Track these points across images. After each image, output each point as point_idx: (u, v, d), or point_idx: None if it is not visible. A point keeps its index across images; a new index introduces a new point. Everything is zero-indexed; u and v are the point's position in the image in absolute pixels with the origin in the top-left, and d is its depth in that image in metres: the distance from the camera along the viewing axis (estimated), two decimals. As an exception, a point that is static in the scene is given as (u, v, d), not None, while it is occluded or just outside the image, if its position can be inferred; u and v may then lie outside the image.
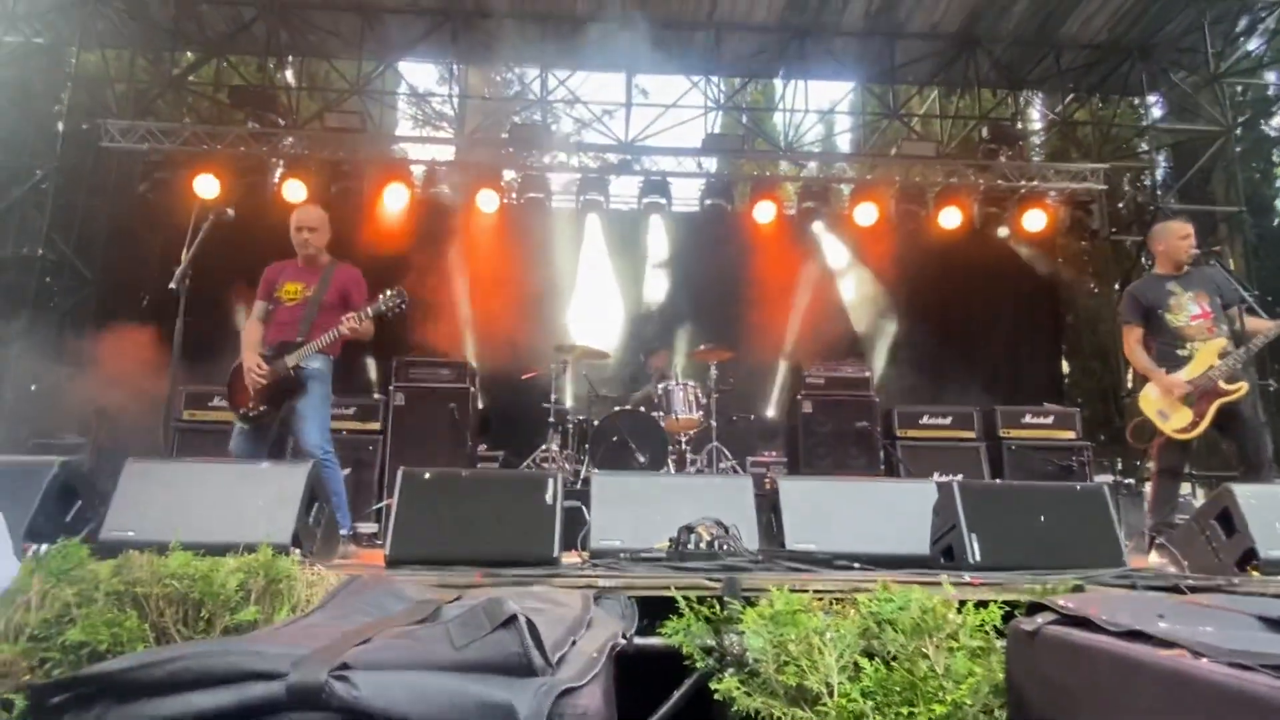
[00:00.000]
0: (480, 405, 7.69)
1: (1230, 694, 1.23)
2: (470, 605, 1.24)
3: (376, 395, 7.31)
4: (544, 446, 6.93)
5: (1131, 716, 1.46)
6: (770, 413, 8.22)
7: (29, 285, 8.97)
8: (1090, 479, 7.08)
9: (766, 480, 6.78)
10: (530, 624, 1.13)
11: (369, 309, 4.35)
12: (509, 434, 7.94)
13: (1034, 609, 1.95)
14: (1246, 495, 3.22)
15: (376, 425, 7.04)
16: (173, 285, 3.86)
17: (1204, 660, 1.35)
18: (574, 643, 1.35)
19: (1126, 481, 8.97)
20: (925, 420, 7.30)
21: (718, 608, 2.28)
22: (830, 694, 1.93)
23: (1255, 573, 3.03)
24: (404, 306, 4.41)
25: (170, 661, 1.02)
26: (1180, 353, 4.57)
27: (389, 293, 4.38)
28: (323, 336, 4.34)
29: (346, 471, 6.74)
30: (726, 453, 6.98)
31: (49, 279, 9.28)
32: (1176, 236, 4.75)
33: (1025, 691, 1.87)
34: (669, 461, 6.49)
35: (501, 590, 2.02)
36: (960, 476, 6.89)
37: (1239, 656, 1.29)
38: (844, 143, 13.23)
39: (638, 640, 2.44)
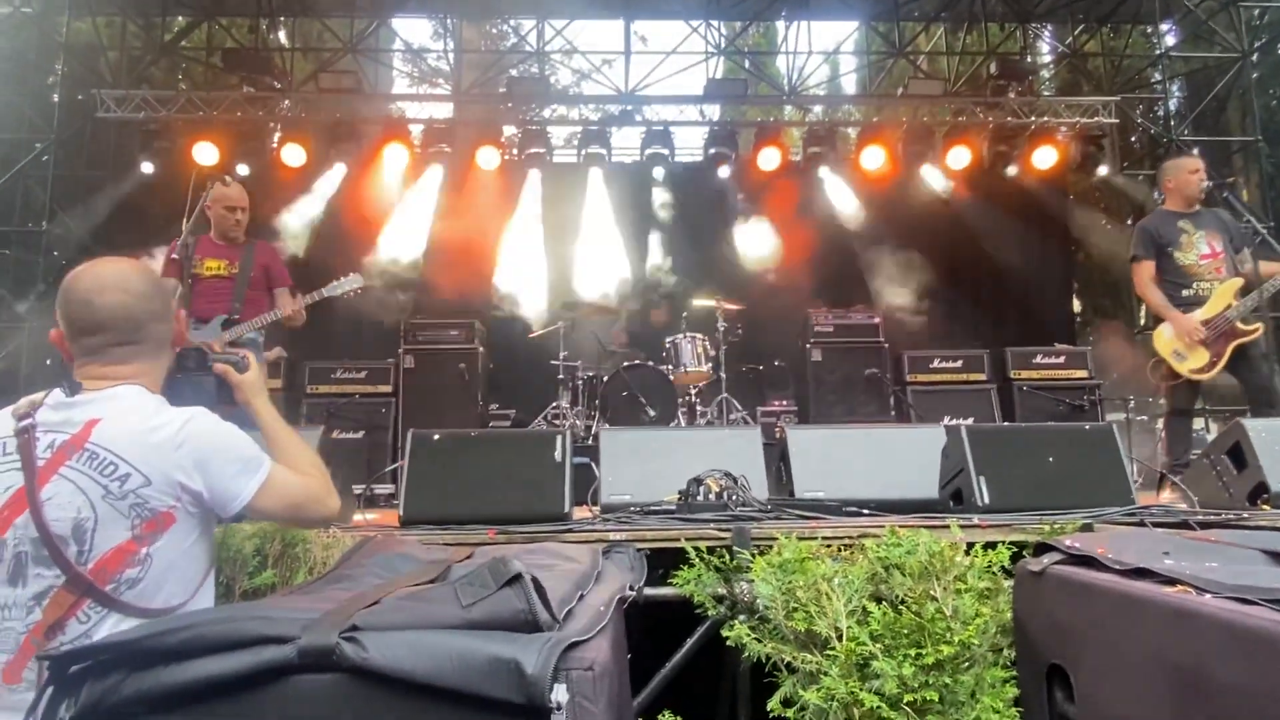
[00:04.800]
0: (490, 365, 7.72)
1: (1232, 628, 1.24)
2: (477, 565, 1.25)
3: (388, 359, 7.32)
4: (554, 404, 6.96)
5: (1136, 653, 1.48)
6: (780, 362, 8.20)
7: (36, 261, 9.00)
8: (1102, 418, 7.06)
9: (777, 430, 6.80)
10: (535, 581, 1.15)
11: (324, 290, 4.34)
12: (520, 392, 7.98)
13: (1041, 549, 1.97)
14: (1258, 429, 3.20)
15: (388, 388, 7.08)
16: (174, 255, 3.85)
17: (1207, 596, 1.35)
18: (582, 597, 1.37)
19: (1140, 418, 8.97)
20: (935, 364, 7.27)
21: (727, 557, 2.31)
22: (839, 638, 1.96)
23: (1267, 506, 3.03)
24: (358, 292, 4.41)
25: (182, 630, 1.05)
26: (1185, 292, 4.52)
27: (344, 278, 4.36)
28: (262, 315, 4.28)
29: (360, 435, 6.88)
30: (736, 404, 6.99)
31: (56, 253, 9.31)
32: (1186, 171, 4.67)
33: (1032, 631, 1.89)
34: (679, 414, 6.52)
35: (512, 547, 2.05)
36: (971, 420, 6.89)
37: (1242, 591, 1.30)
38: (849, 84, 12.96)
39: (651, 591, 2.48)
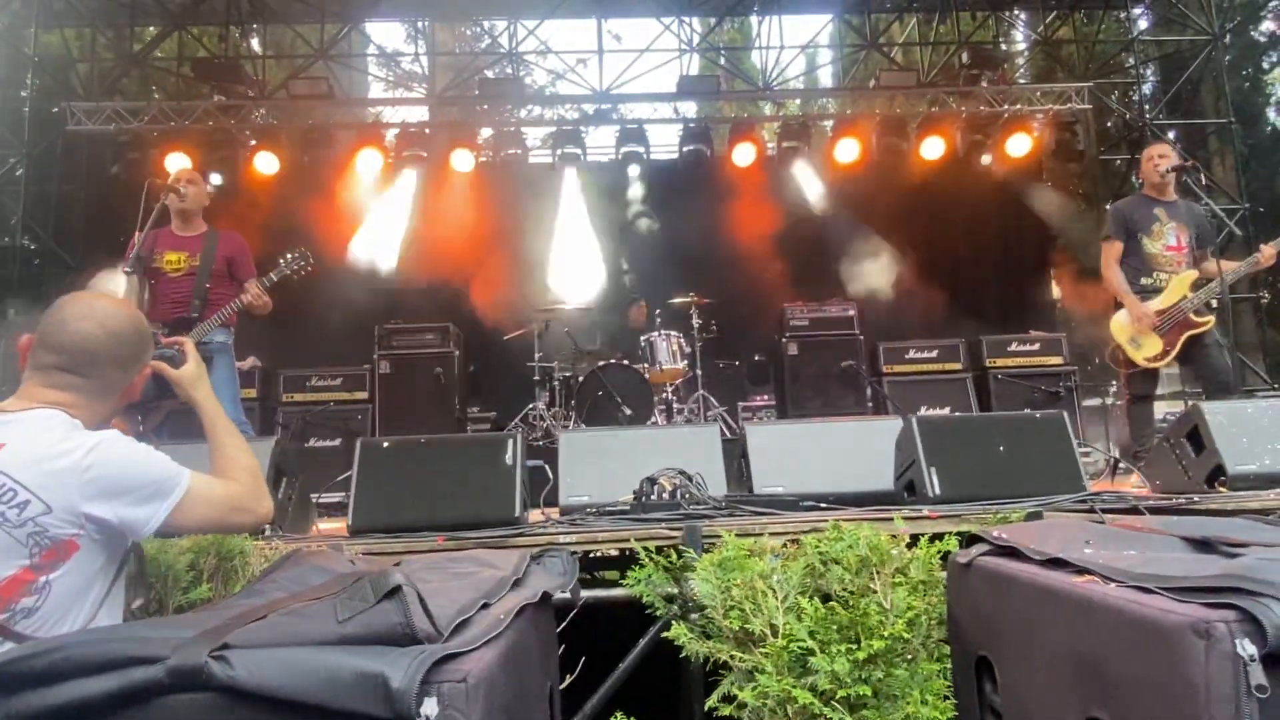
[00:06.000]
0: (468, 368, 7.70)
1: (1126, 617, 1.24)
2: (364, 578, 1.25)
3: (363, 365, 7.29)
4: (531, 405, 6.95)
5: (1049, 643, 1.48)
6: (760, 356, 8.20)
7: (10, 277, 8.95)
8: (1079, 403, 7.09)
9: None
10: (418, 594, 1.14)
11: (272, 274, 4.18)
12: (498, 394, 7.97)
13: (971, 541, 1.97)
14: (1214, 413, 3.22)
15: (364, 395, 7.05)
16: (127, 269, 3.78)
17: (1111, 585, 1.35)
18: (485, 605, 1.36)
19: (1119, 403, 8.98)
20: (911, 355, 7.28)
21: (674, 556, 2.31)
22: (774, 634, 1.96)
23: (1224, 489, 3.04)
24: (308, 267, 4.24)
25: (51, 652, 1.03)
26: (1145, 280, 4.57)
27: (290, 255, 4.22)
28: (223, 310, 4.12)
29: (337, 442, 6.86)
30: (714, 400, 6.99)
31: (37, 263, 9.28)
32: (1145, 159, 4.77)
33: (962, 622, 1.89)
34: (656, 412, 6.51)
35: (442, 553, 2.05)
36: (948, 409, 6.91)
37: (1145, 580, 1.30)
38: (824, 77, 12.96)
39: (604, 593, 2.48)
